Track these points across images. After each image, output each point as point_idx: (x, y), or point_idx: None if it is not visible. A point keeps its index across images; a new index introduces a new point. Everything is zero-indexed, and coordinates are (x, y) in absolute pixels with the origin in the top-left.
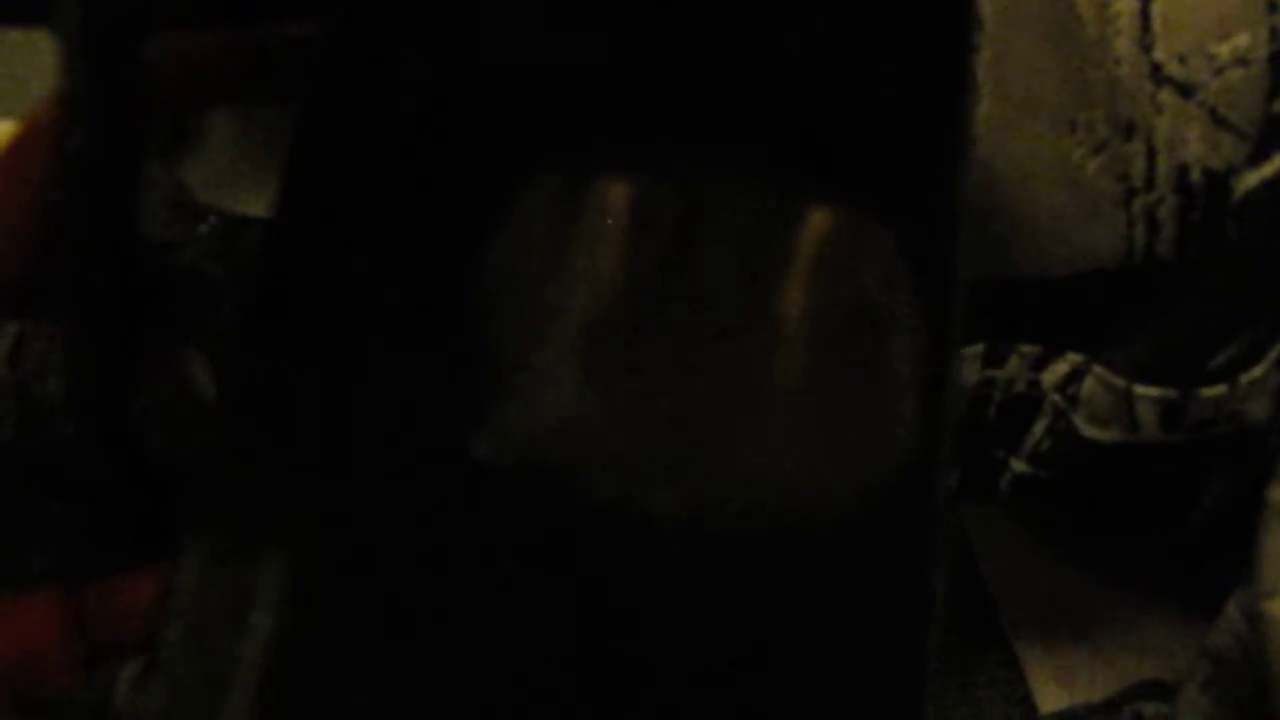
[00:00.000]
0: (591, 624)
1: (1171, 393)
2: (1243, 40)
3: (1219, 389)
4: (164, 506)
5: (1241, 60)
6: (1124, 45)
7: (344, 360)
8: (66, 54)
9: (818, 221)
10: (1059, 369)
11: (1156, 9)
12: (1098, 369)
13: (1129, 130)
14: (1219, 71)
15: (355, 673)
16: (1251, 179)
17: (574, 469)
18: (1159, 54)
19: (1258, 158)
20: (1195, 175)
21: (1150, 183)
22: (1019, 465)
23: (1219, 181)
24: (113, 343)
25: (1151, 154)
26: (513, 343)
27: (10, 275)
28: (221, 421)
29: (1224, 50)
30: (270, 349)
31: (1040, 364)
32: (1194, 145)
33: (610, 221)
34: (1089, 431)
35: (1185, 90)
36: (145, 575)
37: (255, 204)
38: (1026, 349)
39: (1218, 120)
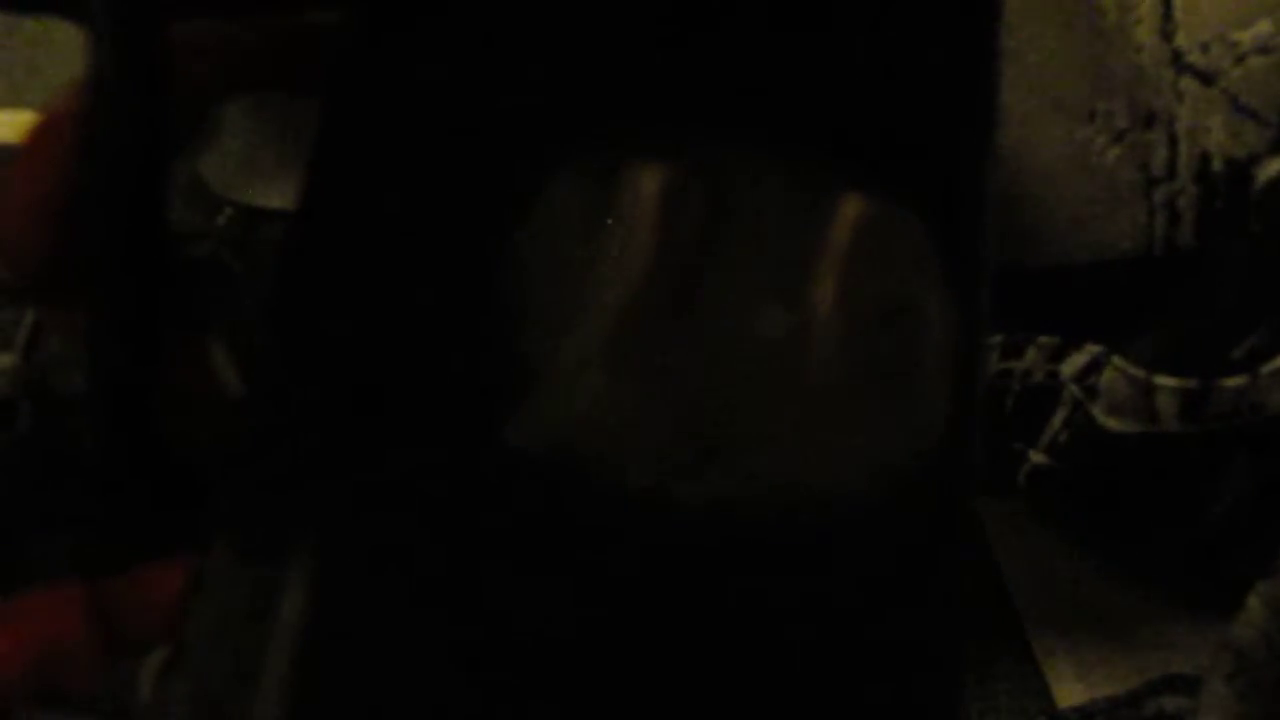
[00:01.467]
0: (620, 613)
1: (1192, 383)
2: (1264, 27)
3: (1240, 380)
4: (185, 499)
5: (1263, 48)
6: (1144, 33)
7: (372, 351)
8: (94, 40)
9: (847, 212)
10: (1078, 360)
11: None
12: (1117, 360)
13: (1150, 119)
14: (1240, 59)
15: (384, 663)
16: (1274, 167)
17: (604, 458)
18: (1180, 42)
19: None
20: (1217, 164)
21: (1171, 172)
22: (1037, 457)
23: (1241, 170)
24: (135, 334)
25: (1172, 143)
26: (543, 332)
27: (30, 264)
28: (249, 412)
29: (1245, 37)
30: (298, 341)
31: (1059, 355)
32: (1215, 134)
33: (640, 211)
34: (1108, 423)
35: (1206, 78)
36: (168, 567)
37: (272, 196)
38: (1045, 340)
39: (1239, 108)
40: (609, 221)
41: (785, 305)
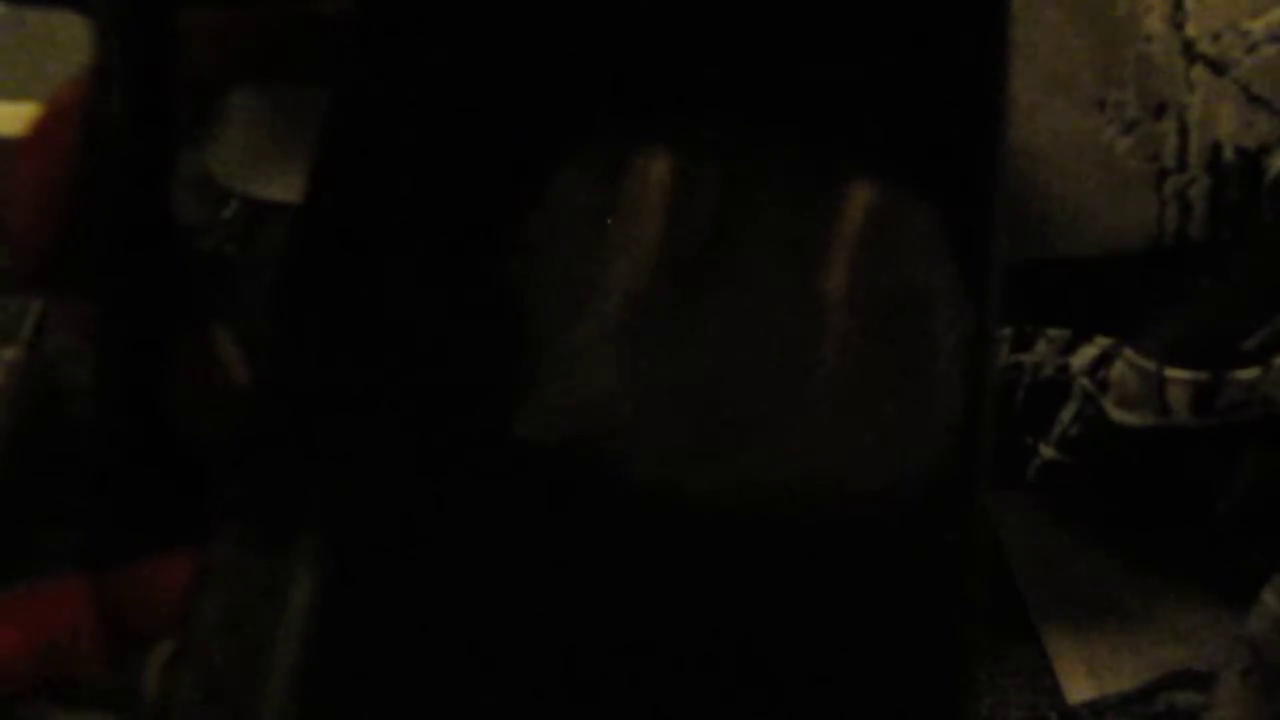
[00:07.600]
0: (628, 602)
1: (1203, 375)
2: (1276, 16)
3: (1252, 371)
4: (192, 490)
5: (1275, 36)
6: (1155, 22)
7: (380, 339)
8: (100, 28)
9: (859, 199)
10: (1088, 352)
11: None
12: (1128, 352)
13: (1160, 109)
14: (1252, 48)
15: (393, 653)
16: None
17: (611, 448)
18: (1191, 31)
19: None
20: (1228, 154)
21: (1182, 162)
22: (1047, 451)
23: (1252, 160)
24: (142, 325)
25: (1183, 133)
26: (552, 319)
27: (36, 254)
28: (255, 403)
29: (1257, 26)
30: (305, 330)
31: (1069, 348)
32: (1226, 124)
33: (650, 196)
34: (1119, 416)
35: (1218, 67)
36: (174, 560)
37: (277, 188)
38: (1055, 333)
39: (1251, 98)
40: (619, 207)
41: (796, 293)
